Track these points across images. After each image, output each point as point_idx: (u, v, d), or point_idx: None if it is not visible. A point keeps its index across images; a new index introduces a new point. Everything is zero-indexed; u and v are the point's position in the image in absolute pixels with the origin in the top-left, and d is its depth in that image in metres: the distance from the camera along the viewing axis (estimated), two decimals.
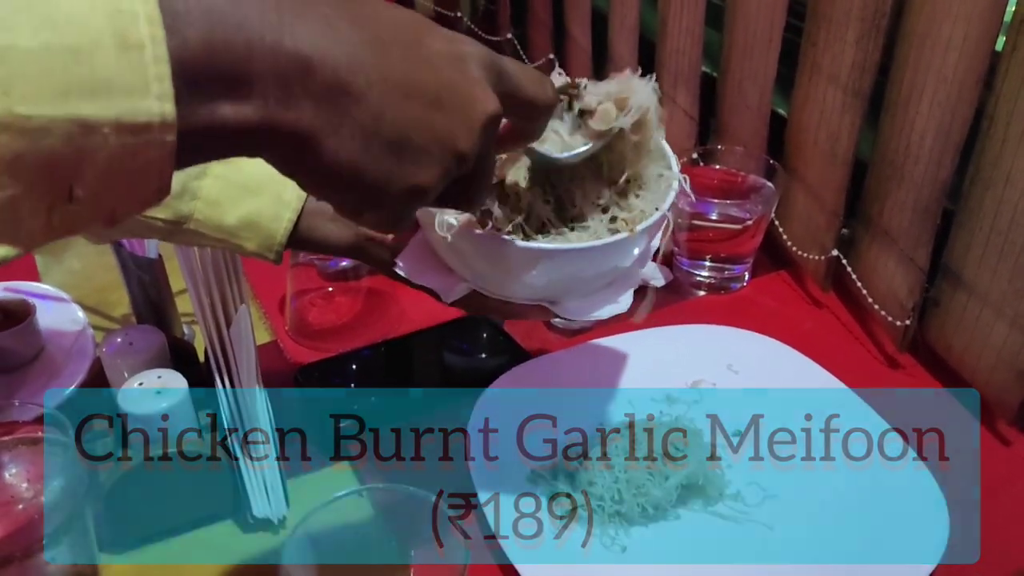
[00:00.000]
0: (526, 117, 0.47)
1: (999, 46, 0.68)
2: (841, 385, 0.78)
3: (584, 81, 0.55)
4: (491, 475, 0.70)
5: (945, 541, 0.64)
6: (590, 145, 0.53)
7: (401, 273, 0.60)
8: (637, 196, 0.57)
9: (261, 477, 0.69)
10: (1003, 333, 0.73)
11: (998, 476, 0.73)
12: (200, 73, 0.34)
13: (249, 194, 0.59)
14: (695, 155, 0.98)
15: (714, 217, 0.92)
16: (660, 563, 0.66)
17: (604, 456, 0.70)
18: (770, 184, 0.93)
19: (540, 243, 0.54)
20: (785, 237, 0.95)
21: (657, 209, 0.56)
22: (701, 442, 0.72)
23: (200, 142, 0.35)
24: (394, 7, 0.41)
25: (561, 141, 0.54)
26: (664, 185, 0.58)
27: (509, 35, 1.39)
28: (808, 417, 0.76)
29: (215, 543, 0.69)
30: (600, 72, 1.23)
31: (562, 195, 0.57)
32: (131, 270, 0.80)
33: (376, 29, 0.39)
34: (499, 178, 0.55)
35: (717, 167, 0.98)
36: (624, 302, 0.60)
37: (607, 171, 0.57)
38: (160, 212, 0.58)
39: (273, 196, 0.59)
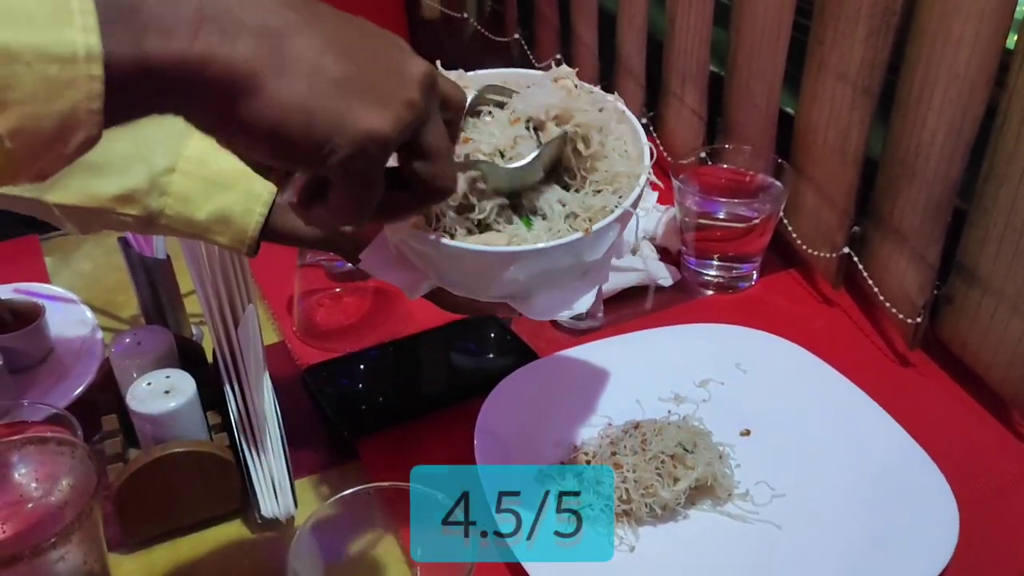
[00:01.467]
0: (444, 111, 0.46)
1: (1010, 43, 0.68)
2: (851, 384, 0.78)
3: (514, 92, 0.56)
4: (499, 474, 0.69)
5: (955, 541, 0.64)
6: (534, 155, 0.53)
7: (365, 270, 0.60)
8: (597, 192, 0.56)
9: (269, 477, 0.69)
10: (1019, 329, 0.73)
11: (1012, 472, 0.72)
12: (127, 5, 0.33)
13: (219, 189, 0.59)
14: (703, 154, 0.98)
15: (722, 216, 0.91)
16: (669, 562, 0.66)
17: (613, 455, 0.70)
18: (778, 183, 0.93)
19: (486, 246, 0.53)
20: (795, 235, 0.95)
21: (617, 206, 0.55)
22: (709, 443, 0.72)
23: (128, 85, 0.34)
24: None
25: (498, 143, 0.54)
26: (631, 181, 0.56)
27: (516, 36, 1.39)
28: (817, 416, 0.76)
29: (223, 543, 0.69)
30: (608, 73, 1.23)
31: (524, 205, 0.56)
32: (139, 271, 0.81)
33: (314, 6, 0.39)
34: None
35: (725, 166, 0.98)
36: (581, 305, 0.58)
37: (563, 175, 0.56)
38: (130, 208, 0.58)
39: (243, 190, 0.59)
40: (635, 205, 0.55)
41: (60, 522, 0.55)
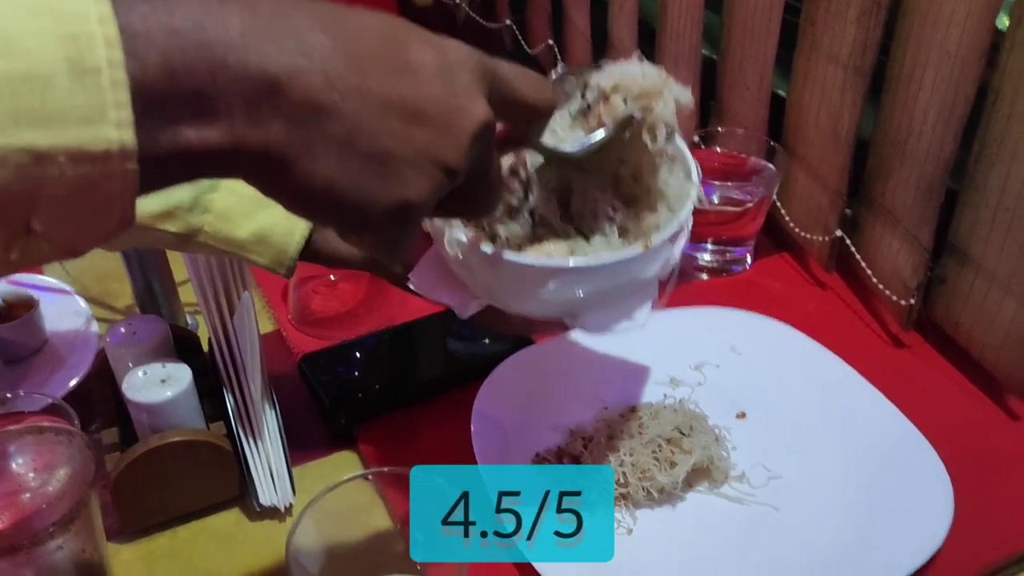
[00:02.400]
0: (524, 121, 0.45)
1: (1002, 24, 0.68)
2: (845, 365, 0.78)
3: (589, 71, 0.53)
4: (496, 458, 0.70)
5: (950, 520, 0.64)
6: (602, 133, 0.52)
7: (415, 290, 0.59)
8: (653, 210, 0.56)
9: (267, 465, 0.70)
10: (1012, 309, 0.73)
11: (1007, 452, 0.73)
12: (161, 97, 0.32)
13: (261, 207, 0.58)
14: (696, 138, 0.98)
15: (715, 200, 0.91)
16: (666, 545, 0.66)
17: (609, 439, 0.70)
18: (771, 166, 0.93)
19: (549, 260, 0.53)
20: (788, 219, 0.95)
21: (673, 221, 0.55)
22: (706, 426, 0.72)
23: (164, 168, 0.34)
24: (376, 14, 0.39)
25: (564, 136, 0.52)
26: (682, 195, 0.56)
27: (508, 21, 1.38)
28: (812, 398, 0.76)
29: (222, 531, 0.69)
30: (600, 58, 1.22)
31: (573, 205, 0.56)
32: (133, 260, 0.81)
33: (353, 41, 0.37)
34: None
35: (718, 149, 0.98)
36: (639, 318, 0.58)
37: (619, 176, 0.56)
38: (171, 225, 0.57)
39: (285, 211, 0.59)
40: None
41: (58, 511, 0.55)
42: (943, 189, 0.76)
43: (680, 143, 0.57)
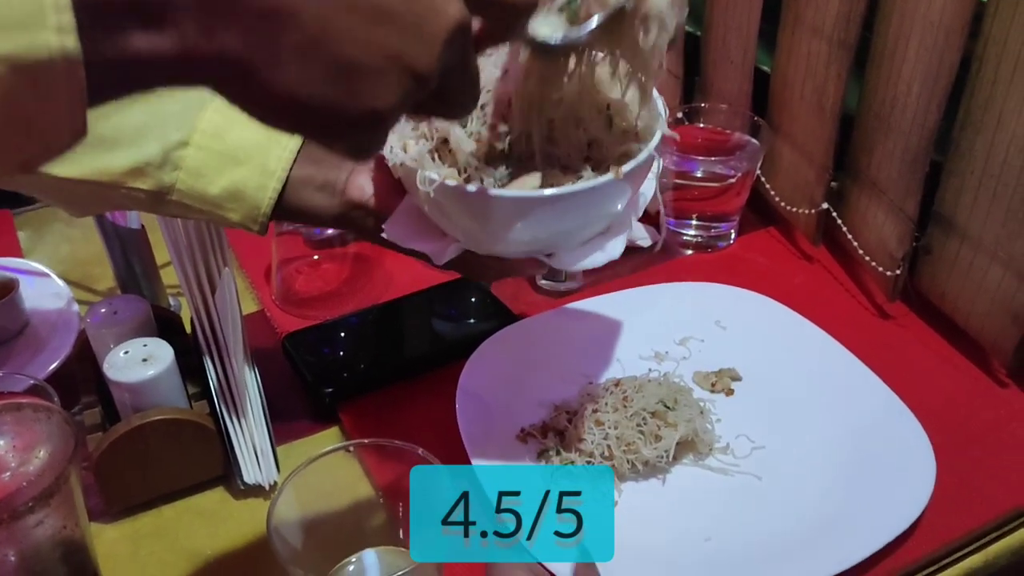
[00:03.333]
0: (502, 18, 0.42)
1: None
2: (828, 337, 0.78)
3: None
4: (480, 434, 0.69)
5: (931, 487, 0.64)
6: (593, 22, 0.50)
7: (389, 239, 0.59)
8: (624, 144, 0.56)
9: (251, 444, 0.69)
10: (997, 277, 0.73)
11: (992, 419, 0.73)
12: (104, 2, 0.30)
13: (233, 163, 0.57)
14: (680, 114, 0.98)
15: (699, 175, 0.91)
16: (651, 516, 0.66)
17: (594, 412, 0.70)
18: (755, 140, 0.93)
19: (524, 192, 0.53)
20: (773, 193, 0.95)
21: (644, 151, 0.55)
22: (690, 399, 0.72)
23: (114, 77, 0.32)
24: None
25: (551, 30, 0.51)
26: (651, 128, 0.57)
27: None
28: (796, 370, 0.76)
29: (206, 510, 0.69)
30: None
31: (546, 145, 0.56)
32: (114, 241, 0.80)
33: None
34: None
35: (702, 125, 0.97)
36: (612, 249, 0.58)
37: (596, 105, 0.55)
38: (142, 183, 0.56)
39: (257, 165, 0.58)
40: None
41: (38, 488, 0.54)
42: (928, 160, 0.76)
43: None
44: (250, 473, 0.69)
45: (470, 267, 0.60)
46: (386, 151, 0.55)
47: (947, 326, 0.80)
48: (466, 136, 0.55)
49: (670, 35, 0.52)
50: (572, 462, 0.68)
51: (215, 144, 0.57)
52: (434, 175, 0.53)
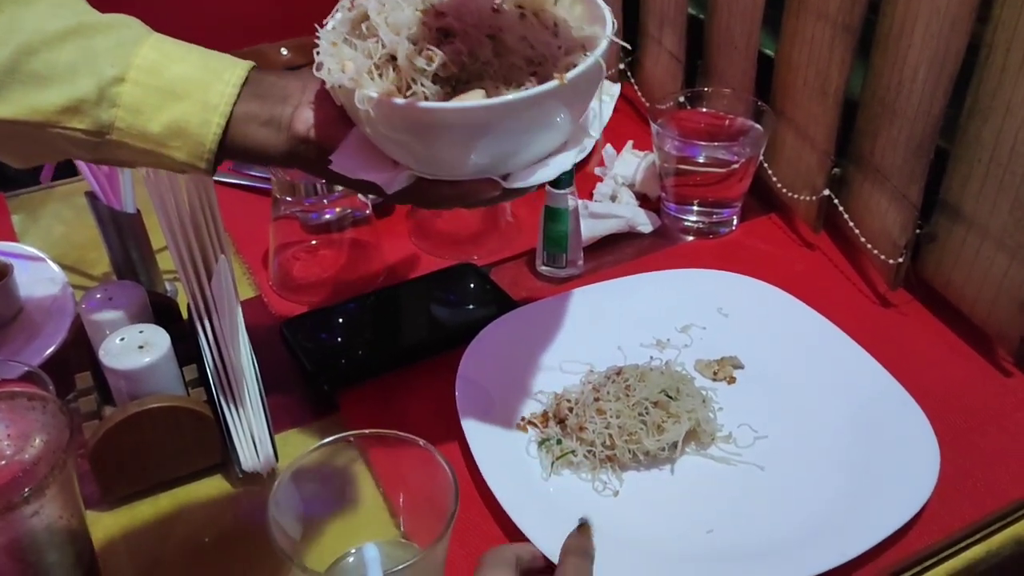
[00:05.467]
0: None
1: None
2: (831, 325, 0.77)
3: None
4: (481, 422, 0.69)
5: (935, 475, 0.64)
6: None
7: (337, 171, 0.57)
8: (570, 56, 0.55)
9: (249, 431, 0.68)
10: (1004, 265, 0.73)
11: (997, 407, 0.72)
12: None
13: (172, 99, 0.56)
14: (682, 98, 0.97)
15: (701, 161, 0.90)
16: (653, 506, 0.66)
17: (596, 401, 0.69)
18: (758, 126, 0.92)
19: (465, 103, 0.51)
20: (775, 179, 0.94)
21: (589, 59, 0.53)
22: (692, 388, 0.72)
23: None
24: None
25: None
26: (597, 41, 0.55)
27: None
28: (798, 358, 0.76)
29: (205, 497, 0.68)
30: None
31: (494, 50, 0.55)
32: (109, 226, 0.79)
33: None
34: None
35: (704, 110, 0.96)
36: (562, 161, 0.57)
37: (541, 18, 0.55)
38: (78, 122, 0.55)
39: (198, 100, 0.56)
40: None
41: (34, 478, 0.54)
42: (933, 146, 0.75)
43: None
44: (248, 461, 0.68)
45: (423, 195, 0.58)
46: (324, 74, 0.53)
47: (951, 314, 0.80)
48: (415, 51, 0.53)
49: None
50: (573, 452, 0.68)
51: (153, 80, 0.55)
52: (372, 92, 0.51)
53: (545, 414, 0.72)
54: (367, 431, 0.53)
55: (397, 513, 0.56)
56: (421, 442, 0.52)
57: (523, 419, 0.72)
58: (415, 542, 0.55)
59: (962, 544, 0.63)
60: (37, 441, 0.55)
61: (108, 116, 0.55)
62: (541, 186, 0.58)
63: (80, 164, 0.75)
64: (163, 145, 0.56)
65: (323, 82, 0.54)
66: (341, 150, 0.56)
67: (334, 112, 0.56)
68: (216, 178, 0.76)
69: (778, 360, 0.76)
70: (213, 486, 0.69)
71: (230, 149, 0.58)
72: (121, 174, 0.77)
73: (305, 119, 0.57)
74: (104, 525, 0.66)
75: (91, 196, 0.77)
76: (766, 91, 0.93)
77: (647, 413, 0.68)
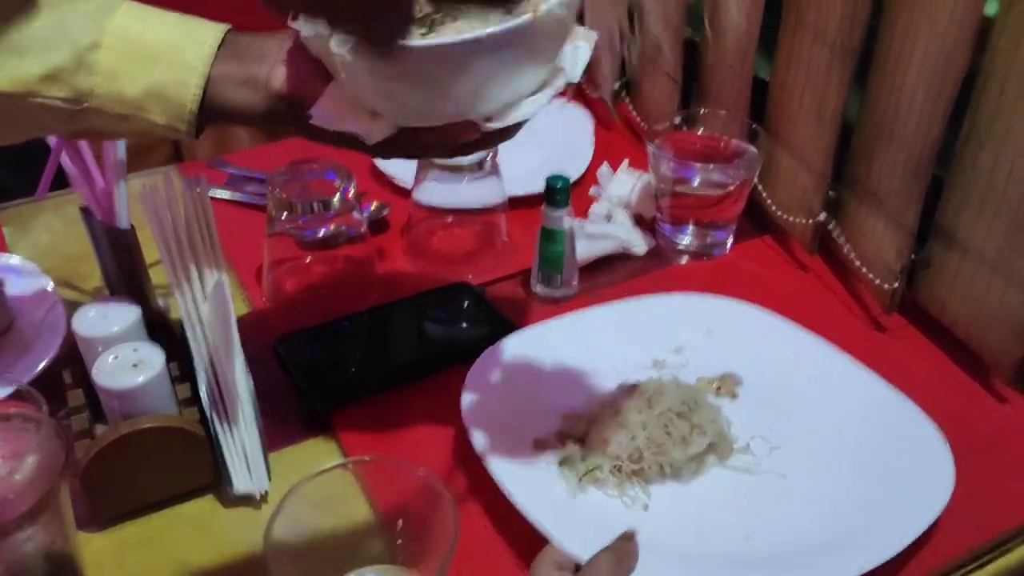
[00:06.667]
0: None
1: (991, 11, 0.67)
2: (824, 342, 0.78)
3: None
4: (495, 445, 0.68)
5: (952, 469, 0.65)
6: None
7: (317, 124, 0.57)
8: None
9: (242, 451, 0.68)
10: (1000, 291, 0.73)
11: (991, 434, 0.73)
12: None
13: (149, 62, 0.56)
14: (677, 120, 0.97)
15: (696, 182, 0.90)
16: (685, 519, 0.66)
17: (616, 415, 0.69)
18: (753, 148, 0.92)
19: (435, 39, 0.51)
20: (769, 202, 0.94)
21: None
22: (707, 400, 0.72)
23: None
24: None
25: None
26: None
27: None
28: (799, 374, 0.76)
29: (196, 518, 0.67)
30: None
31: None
32: (102, 241, 0.78)
33: None
34: None
35: (700, 132, 0.97)
36: (541, 99, 0.56)
37: None
38: (57, 90, 0.55)
39: (176, 63, 0.56)
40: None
41: (25, 501, 0.53)
42: (930, 171, 0.76)
43: None
44: (241, 481, 0.67)
45: (404, 144, 0.58)
46: (299, 23, 0.53)
47: (946, 340, 0.80)
48: None
49: None
50: (599, 467, 0.67)
51: (128, 45, 0.56)
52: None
53: (561, 433, 0.71)
54: (366, 457, 0.53)
55: (395, 540, 0.56)
56: (421, 470, 0.52)
57: (536, 441, 0.71)
58: (412, 570, 0.54)
59: (961, 572, 0.64)
60: (30, 461, 0.55)
61: (86, 83, 0.56)
62: (518, 126, 0.57)
63: (74, 178, 0.74)
64: (142, 109, 0.57)
65: (298, 38, 0.54)
66: (320, 103, 0.56)
67: (311, 67, 0.56)
68: (211, 194, 0.76)
69: (776, 376, 0.77)
70: (204, 506, 0.68)
71: (210, 111, 0.58)
72: (116, 189, 0.76)
73: (282, 76, 0.57)
74: (94, 546, 0.65)
75: (85, 211, 0.76)
76: (762, 113, 0.94)
77: (672, 424, 0.68)
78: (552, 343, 0.79)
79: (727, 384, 0.77)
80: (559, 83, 0.57)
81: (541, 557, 0.52)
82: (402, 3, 0.50)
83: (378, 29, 0.50)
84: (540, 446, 0.70)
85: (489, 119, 0.55)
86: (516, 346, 0.78)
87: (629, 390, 0.72)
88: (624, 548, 0.52)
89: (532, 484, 0.66)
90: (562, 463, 0.69)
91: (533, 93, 0.56)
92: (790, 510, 0.66)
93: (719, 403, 0.74)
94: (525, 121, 0.57)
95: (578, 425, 0.71)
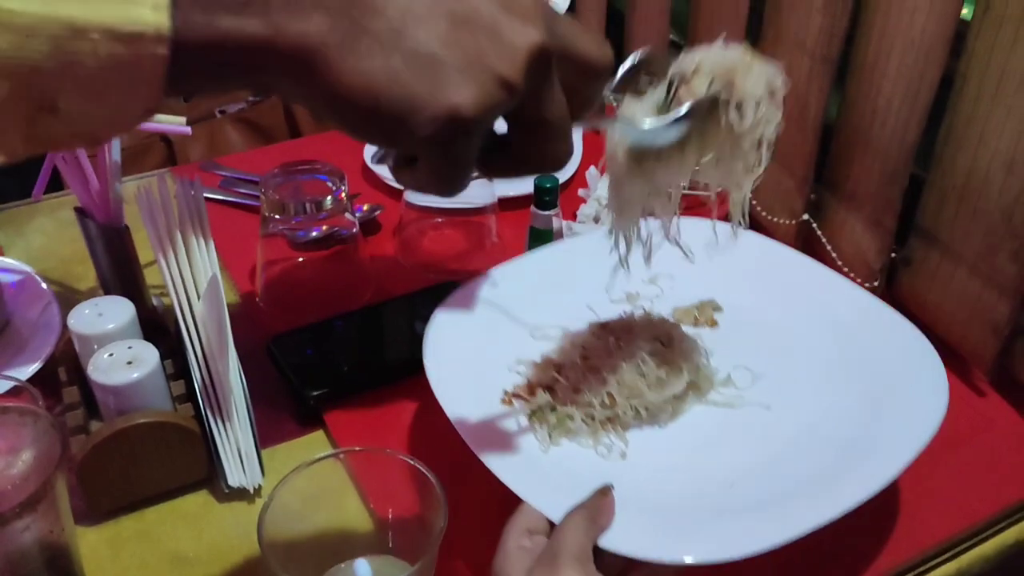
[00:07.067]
0: (581, 76, 0.42)
1: (967, 14, 0.69)
2: (808, 259, 0.75)
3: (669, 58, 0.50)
4: (465, 410, 0.64)
5: (946, 390, 0.62)
6: (683, 110, 0.48)
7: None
8: None
9: (235, 446, 0.69)
10: (977, 289, 0.75)
11: (968, 428, 0.74)
12: None
13: None
14: None
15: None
16: (666, 462, 0.63)
17: (584, 360, 0.66)
18: None
19: None
20: (754, 203, 0.96)
21: None
22: (683, 334, 0.69)
23: (196, 59, 0.32)
24: None
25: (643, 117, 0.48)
26: None
27: None
28: (777, 294, 0.74)
29: (190, 512, 0.68)
30: None
31: None
32: (97, 241, 0.79)
33: None
34: None
35: None
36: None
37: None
38: None
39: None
40: None
41: (23, 492, 0.54)
42: (907, 174, 0.78)
43: None
44: (234, 476, 0.68)
45: None
46: None
47: (927, 335, 0.81)
48: None
49: (772, 124, 0.51)
50: (570, 417, 0.64)
51: None
52: None
53: (530, 384, 0.68)
54: (357, 448, 0.54)
55: (386, 529, 0.57)
56: (410, 459, 0.53)
57: (506, 393, 0.68)
58: (405, 559, 0.56)
59: (933, 562, 0.65)
60: (27, 455, 0.56)
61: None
62: None
63: (69, 179, 0.75)
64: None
65: None
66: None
67: None
68: (205, 195, 0.77)
69: (757, 298, 0.74)
70: (198, 501, 0.69)
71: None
72: (111, 189, 0.77)
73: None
74: (89, 540, 0.66)
75: (80, 211, 0.77)
76: None
77: (645, 364, 0.65)
78: (513, 288, 0.75)
79: (705, 312, 0.74)
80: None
81: (511, 523, 0.51)
82: None
83: None
84: (510, 399, 0.68)
85: None
86: (471, 299, 0.74)
87: (599, 330, 0.69)
88: (598, 504, 0.51)
89: (502, 442, 0.63)
90: (532, 416, 0.65)
91: None
92: (776, 443, 0.62)
93: (697, 334, 0.71)
94: None
95: (548, 373, 0.67)
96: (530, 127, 0.40)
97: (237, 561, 0.65)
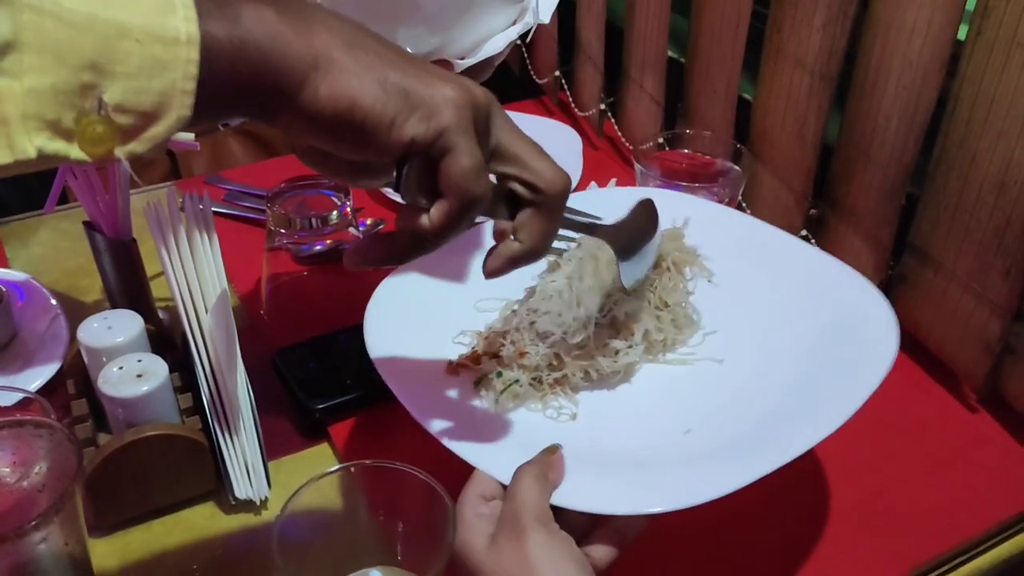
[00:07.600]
0: (521, 179, 0.50)
1: (962, 34, 0.71)
2: (753, 219, 0.76)
3: None
4: (409, 377, 0.64)
5: (895, 337, 0.62)
6: None
7: None
8: None
9: (242, 459, 0.70)
10: (970, 307, 0.76)
11: (960, 444, 0.75)
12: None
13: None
14: (662, 139, 1.00)
15: None
16: (618, 422, 0.62)
17: (532, 325, 0.65)
18: (737, 167, 0.95)
19: None
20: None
21: None
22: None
23: (220, 67, 0.38)
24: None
25: None
26: None
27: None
28: (726, 246, 0.74)
29: (197, 524, 0.69)
30: (567, 59, 1.23)
31: None
32: (105, 254, 0.80)
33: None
34: None
35: (685, 151, 1.00)
36: (507, 35, 0.59)
37: None
38: None
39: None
40: None
41: (35, 506, 0.55)
42: (904, 192, 0.79)
43: None
44: (241, 488, 0.69)
45: None
46: None
47: (919, 351, 0.83)
48: None
49: None
50: (517, 381, 0.64)
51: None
52: None
53: (475, 352, 0.67)
54: (367, 461, 0.55)
55: (395, 542, 0.58)
56: (420, 473, 0.54)
57: (451, 363, 0.67)
58: (414, 572, 0.56)
59: None
60: (41, 467, 0.56)
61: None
62: (491, 65, 0.61)
63: (78, 192, 0.76)
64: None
65: None
66: None
67: None
68: (212, 209, 0.78)
69: (706, 251, 0.73)
70: (206, 513, 0.70)
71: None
72: (120, 202, 0.78)
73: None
74: (97, 552, 0.66)
75: (88, 225, 0.78)
76: (745, 134, 0.97)
77: (597, 328, 0.64)
78: (455, 264, 0.75)
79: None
80: (529, 21, 0.60)
81: (464, 492, 0.52)
82: None
83: None
84: (456, 369, 0.67)
85: (462, 57, 0.58)
86: (408, 281, 0.74)
87: (542, 291, 0.67)
88: (547, 460, 0.52)
89: (449, 411, 0.62)
90: (478, 383, 0.65)
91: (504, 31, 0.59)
92: (729, 391, 0.62)
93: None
94: (498, 60, 0.59)
95: (495, 340, 0.66)
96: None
97: (243, 572, 0.66)
